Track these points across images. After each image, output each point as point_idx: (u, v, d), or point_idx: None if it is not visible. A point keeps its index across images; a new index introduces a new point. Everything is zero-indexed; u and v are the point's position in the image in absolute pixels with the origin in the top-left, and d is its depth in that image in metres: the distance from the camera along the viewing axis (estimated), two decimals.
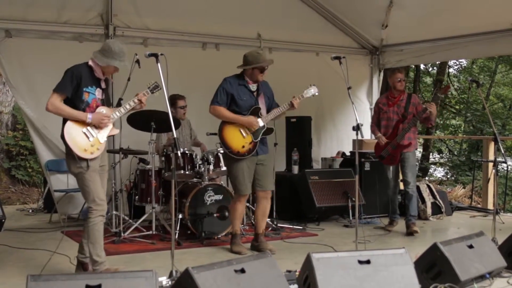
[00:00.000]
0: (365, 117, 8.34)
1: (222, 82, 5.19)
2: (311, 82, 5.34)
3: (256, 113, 5.18)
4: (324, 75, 7.72)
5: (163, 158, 5.95)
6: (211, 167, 5.83)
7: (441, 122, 16.92)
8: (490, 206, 7.89)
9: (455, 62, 17.34)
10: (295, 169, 7.10)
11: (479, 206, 8.51)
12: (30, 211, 7.64)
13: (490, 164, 7.86)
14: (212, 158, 5.85)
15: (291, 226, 6.40)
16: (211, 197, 5.74)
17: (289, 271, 3.88)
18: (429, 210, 7.21)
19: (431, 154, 16.53)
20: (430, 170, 15.82)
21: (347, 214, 6.78)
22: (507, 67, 16.75)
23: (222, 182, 6.16)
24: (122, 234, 5.54)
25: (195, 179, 5.97)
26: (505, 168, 9.34)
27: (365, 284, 3.38)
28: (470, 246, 4.06)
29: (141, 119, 5.50)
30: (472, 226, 6.65)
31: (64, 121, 4.10)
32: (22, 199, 9.11)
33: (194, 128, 6.65)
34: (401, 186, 6.54)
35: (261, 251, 4.83)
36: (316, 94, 5.31)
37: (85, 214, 5.56)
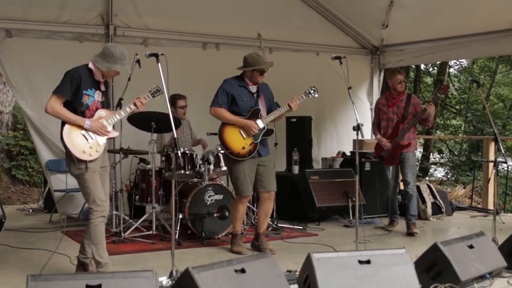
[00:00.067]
0: (366, 117, 8.35)
1: (222, 83, 5.19)
2: (311, 82, 5.35)
3: (256, 114, 5.17)
4: (324, 75, 7.74)
5: (163, 158, 5.95)
6: (212, 167, 5.83)
7: (442, 122, 16.92)
8: (491, 206, 7.89)
9: (456, 62, 17.36)
10: (296, 169, 7.10)
11: (479, 206, 8.50)
12: (30, 211, 7.63)
13: (491, 164, 7.86)
14: (212, 158, 5.85)
15: (292, 226, 6.40)
16: (211, 197, 5.74)
17: (289, 271, 3.88)
18: (429, 210, 7.21)
19: (431, 154, 16.54)
20: (431, 170, 15.82)
21: (347, 214, 6.78)
22: (508, 67, 16.76)
23: (222, 182, 6.16)
24: (123, 234, 5.54)
25: (195, 179, 5.97)
26: (506, 168, 9.32)
27: (365, 284, 3.38)
28: (471, 246, 4.06)
29: (141, 119, 5.50)
30: (473, 226, 6.65)
31: (63, 123, 4.09)
32: (22, 199, 9.11)
33: (194, 129, 6.65)
34: (401, 186, 6.53)
35: (261, 251, 4.84)
36: (316, 96, 5.33)
37: (85, 214, 5.59)
